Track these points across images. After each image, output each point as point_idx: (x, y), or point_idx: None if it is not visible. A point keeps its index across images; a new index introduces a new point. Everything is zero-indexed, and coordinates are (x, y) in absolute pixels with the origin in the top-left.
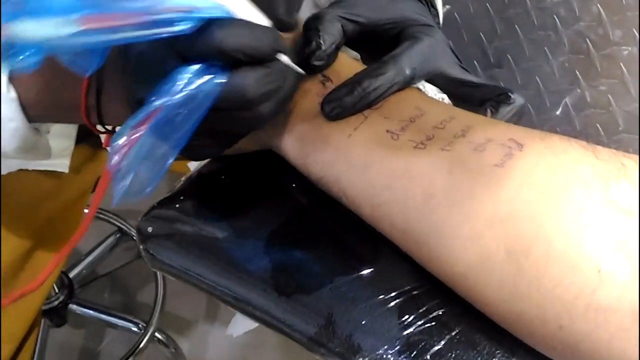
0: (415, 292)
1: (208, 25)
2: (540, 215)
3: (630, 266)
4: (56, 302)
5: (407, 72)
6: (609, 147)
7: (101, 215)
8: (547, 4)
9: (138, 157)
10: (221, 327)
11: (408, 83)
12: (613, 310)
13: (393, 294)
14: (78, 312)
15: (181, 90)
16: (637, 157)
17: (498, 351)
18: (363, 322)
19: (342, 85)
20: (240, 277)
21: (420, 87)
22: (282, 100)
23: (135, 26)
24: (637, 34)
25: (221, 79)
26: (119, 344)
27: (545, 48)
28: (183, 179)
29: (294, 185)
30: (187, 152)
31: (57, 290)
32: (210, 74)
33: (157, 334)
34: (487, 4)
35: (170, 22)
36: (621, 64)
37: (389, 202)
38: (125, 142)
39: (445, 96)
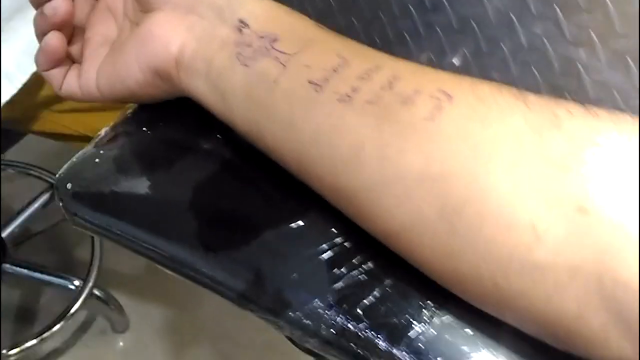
0: (345, 245)
1: None
2: (473, 172)
3: (566, 223)
4: None
5: None
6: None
7: (32, 172)
8: None
9: None
10: (162, 281)
11: None
12: (549, 267)
13: (323, 246)
14: (12, 271)
15: None
16: (569, 104)
17: (429, 301)
18: (292, 277)
19: None
20: (165, 234)
21: None
22: None
23: None
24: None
25: None
26: (57, 302)
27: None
28: (103, 132)
29: (218, 136)
30: None
31: None
32: None
33: (95, 291)
34: None
35: None
36: (555, 6)
37: (316, 158)
38: None
39: None
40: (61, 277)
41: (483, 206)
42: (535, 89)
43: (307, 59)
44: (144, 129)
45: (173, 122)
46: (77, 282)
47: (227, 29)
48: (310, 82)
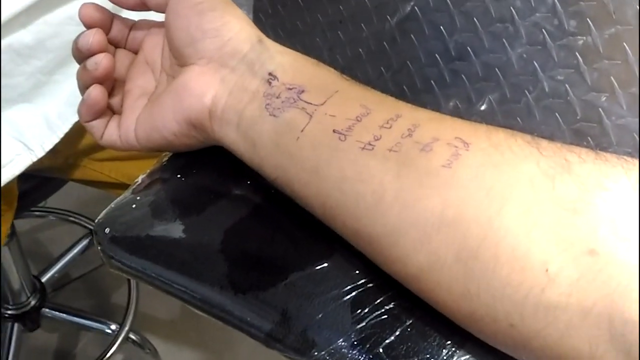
0: (368, 286)
1: None
2: (487, 217)
3: (577, 265)
4: (29, 307)
5: None
6: (567, 135)
7: (72, 218)
8: None
9: None
10: (197, 325)
11: None
12: (562, 308)
13: (347, 288)
14: (51, 316)
15: None
16: (581, 150)
17: (448, 342)
18: (318, 317)
19: None
20: (196, 276)
21: None
22: None
23: None
24: (591, 24)
25: None
26: (94, 346)
27: (504, 40)
28: (139, 179)
29: (248, 182)
30: None
31: (29, 295)
32: None
33: (131, 335)
34: None
35: None
36: (577, 54)
37: (340, 204)
38: None
39: None
40: (98, 322)
41: (497, 249)
42: (559, 134)
43: (332, 109)
44: (178, 175)
45: (206, 169)
46: (113, 327)
47: (257, 81)
48: (335, 131)
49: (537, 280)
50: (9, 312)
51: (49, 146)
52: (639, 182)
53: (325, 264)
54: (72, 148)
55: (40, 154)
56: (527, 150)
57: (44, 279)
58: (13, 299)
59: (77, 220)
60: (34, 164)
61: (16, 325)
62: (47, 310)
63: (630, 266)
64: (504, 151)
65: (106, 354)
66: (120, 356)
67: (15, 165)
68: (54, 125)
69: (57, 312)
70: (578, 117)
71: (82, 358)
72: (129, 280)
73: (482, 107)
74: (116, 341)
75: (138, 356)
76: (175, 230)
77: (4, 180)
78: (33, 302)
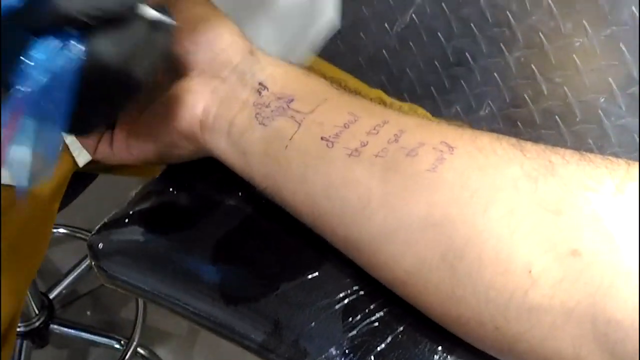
0: (359, 294)
1: None
2: (472, 218)
3: (560, 266)
4: (37, 323)
5: None
6: (568, 138)
7: (78, 234)
8: (499, 0)
9: (22, 145)
10: (204, 338)
11: None
12: (545, 310)
13: (338, 296)
14: (60, 332)
15: (42, 69)
16: (565, 152)
17: (439, 347)
18: (310, 326)
19: None
20: (189, 288)
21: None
22: (155, 59)
23: None
24: (587, 25)
25: (79, 49)
26: None
27: (501, 44)
28: (133, 193)
29: (240, 193)
30: (73, 129)
31: (37, 312)
32: (68, 45)
33: (140, 349)
34: (443, 4)
35: None
36: (574, 56)
37: (328, 211)
38: (5, 134)
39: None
40: (107, 337)
41: (482, 251)
42: (558, 137)
43: (320, 117)
44: (171, 189)
45: (198, 182)
46: (122, 342)
47: (247, 91)
48: (322, 138)
49: (520, 282)
50: (18, 329)
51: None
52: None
53: (316, 273)
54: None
55: None
56: (511, 153)
57: (52, 296)
58: (21, 316)
59: (84, 237)
60: None
61: (25, 342)
62: (55, 326)
63: (613, 265)
64: (489, 154)
65: None
66: None
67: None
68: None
69: (65, 328)
70: (578, 119)
71: None
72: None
73: (483, 113)
74: (125, 356)
75: None
76: (167, 243)
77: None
78: (41, 319)
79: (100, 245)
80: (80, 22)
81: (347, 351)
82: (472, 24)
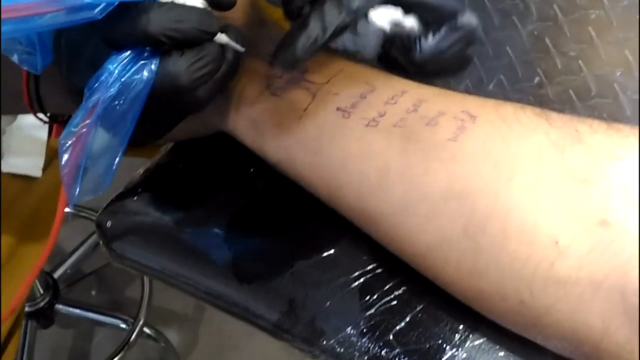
0: (377, 272)
1: (130, 8)
2: (495, 189)
3: (588, 237)
4: (42, 304)
5: (355, 4)
6: (582, 113)
7: (82, 213)
8: None
9: (87, 153)
10: (210, 317)
11: (357, 14)
12: (572, 282)
13: (355, 274)
14: (65, 312)
15: (115, 81)
16: (592, 121)
17: (461, 326)
18: (326, 305)
19: (288, 33)
20: (201, 267)
21: (372, 15)
22: (220, 83)
23: (52, 14)
24: None
25: (152, 66)
26: (109, 341)
27: (514, 17)
28: (141, 170)
29: (251, 169)
30: (131, 141)
31: (42, 292)
32: (142, 61)
33: (146, 329)
34: None
35: (90, 7)
36: (589, 29)
37: (344, 183)
38: (72, 141)
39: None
40: (112, 317)
41: (506, 223)
42: (572, 112)
43: (335, 88)
44: (180, 165)
45: (207, 158)
46: (128, 321)
47: (258, 62)
48: (338, 109)
49: (546, 253)
50: None
51: None
52: None
53: (332, 251)
54: None
55: None
56: (535, 122)
57: (56, 275)
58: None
59: (88, 215)
60: None
61: (30, 322)
62: (60, 306)
63: None
64: (512, 123)
65: (122, 349)
66: (135, 350)
67: None
68: None
69: (70, 308)
70: (592, 94)
71: (97, 353)
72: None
73: (492, 87)
74: (131, 336)
75: (154, 350)
76: (178, 221)
77: None
78: (46, 299)
79: (109, 224)
80: (158, 41)
81: (364, 330)
82: None
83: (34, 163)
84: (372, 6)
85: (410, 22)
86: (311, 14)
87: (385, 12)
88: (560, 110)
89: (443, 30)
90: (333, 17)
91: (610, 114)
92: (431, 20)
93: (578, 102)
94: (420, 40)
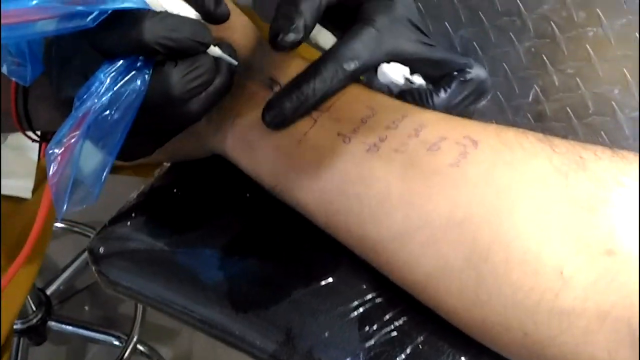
0: (376, 301)
1: (124, 16)
2: (498, 217)
3: (594, 266)
4: (34, 320)
5: (350, 67)
6: (579, 131)
7: (75, 229)
8: None
9: (75, 164)
10: (204, 335)
11: (354, 77)
12: (578, 313)
13: (354, 304)
14: (58, 329)
15: (106, 91)
16: (597, 148)
17: (463, 358)
18: (324, 336)
19: (280, 92)
20: (195, 294)
21: (386, 69)
22: (213, 96)
23: (44, 21)
24: (601, 14)
25: (145, 76)
26: (102, 358)
27: (511, 34)
28: (135, 194)
29: (247, 194)
30: (121, 155)
31: (34, 308)
32: (134, 71)
33: (139, 346)
34: None
35: (83, 15)
36: (587, 46)
37: (344, 209)
38: (60, 151)
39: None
40: (105, 333)
41: (508, 252)
42: (570, 129)
43: (336, 113)
44: (175, 190)
45: (203, 183)
46: (121, 338)
47: (256, 85)
48: (339, 134)
49: (550, 284)
50: (15, 326)
51: None
52: None
53: (330, 279)
54: None
55: None
56: (538, 147)
57: (49, 292)
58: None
59: (81, 231)
60: None
61: (22, 339)
62: (53, 323)
63: None
64: (515, 149)
65: None
66: None
67: None
68: None
69: (63, 325)
70: (590, 111)
71: None
72: None
73: (487, 103)
74: (125, 353)
75: None
76: (172, 248)
77: None
78: (39, 316)
79: (101, 250)
80: (152, 50)
81: None
82: (480, 13)
83: (24, 184)
84: (369, 69)
85: (419, 80)
86: (309, 73)
87: (398, 67)
88: (558, 128)
89: (454, 84)
90: (328, 78)
91: (608, 132)
92: (439, 75)
93: (575, 120)
94: (432, 95)
